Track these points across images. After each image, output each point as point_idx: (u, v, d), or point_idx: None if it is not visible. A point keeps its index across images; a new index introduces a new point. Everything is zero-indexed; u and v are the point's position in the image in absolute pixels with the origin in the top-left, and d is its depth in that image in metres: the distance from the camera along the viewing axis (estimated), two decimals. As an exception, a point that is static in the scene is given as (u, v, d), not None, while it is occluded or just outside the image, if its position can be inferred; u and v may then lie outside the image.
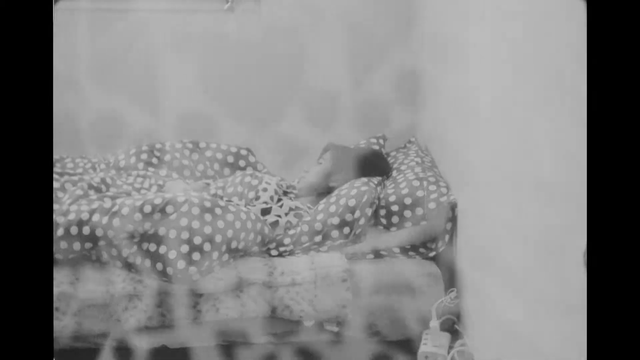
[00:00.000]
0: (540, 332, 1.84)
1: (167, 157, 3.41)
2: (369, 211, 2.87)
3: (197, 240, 2.65)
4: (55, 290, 2.60)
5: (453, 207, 2.82)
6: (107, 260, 2.71)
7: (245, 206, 2.98)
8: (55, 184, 3.08)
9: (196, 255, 2.63)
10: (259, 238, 2.80)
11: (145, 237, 2.67)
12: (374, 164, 3.22)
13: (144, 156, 3.42)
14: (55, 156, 3.56)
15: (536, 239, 1.86)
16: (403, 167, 3.19)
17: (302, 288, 2.67)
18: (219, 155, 3.47)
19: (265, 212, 2.99)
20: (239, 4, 3.74)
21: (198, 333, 2.70)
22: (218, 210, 2.72)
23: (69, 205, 2.84)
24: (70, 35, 3.74)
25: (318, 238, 2.84)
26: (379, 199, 2.94)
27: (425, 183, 2.90)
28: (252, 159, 3.51)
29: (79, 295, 2.62)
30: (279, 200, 3.10)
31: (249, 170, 3.39)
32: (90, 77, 3.84)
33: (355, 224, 2.87)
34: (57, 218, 2.73)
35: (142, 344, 2.69)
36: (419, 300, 2.73)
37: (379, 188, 3.06)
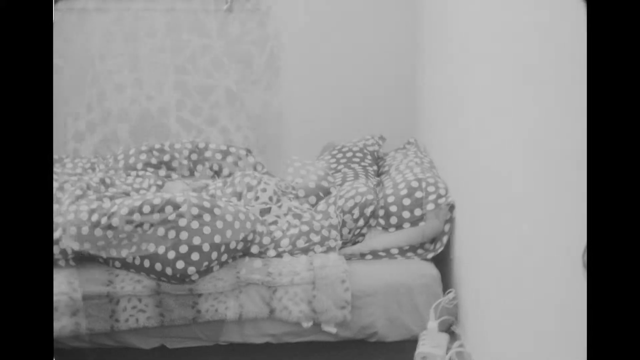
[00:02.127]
0: (540, 332, 1.84)
1: (166, 157, 3.41)
2: (368, 212, 2.87)
3: (196, 240, 2.65)
4: (55, 290, 2.60)
5: (451, 208, 2.82)
6: (106, 260, 2.71)
7: (244, 206, 2.98)
8: (55, 185, 3.07)
9: (195, 256, 2.63)
10: (258, 238, 2.80)
11: (144, 237, 2.68)
12: None
13: (143, 156, 3.42)
14: (55, 156, 3.56)
15: (536, 240, 1.86)
16: (402, 168, 3.19)
17: (300, 289, 2.67)
18: (218, 156, 3.47)
19: (265, 212, 2.99)
20: (238, 3, 3.74)
21: (197, 333, 2.71)
22: (217, 211, 2.72)
23: (68, 205, 2.84)
24: (70, 35, 3.74)
25: (317, 239, 2.83)
26: (377, 200, 2.94)
27: (424, 184, 2.91)
28: (251, 159, 3.51)
29: (79, 295, 2.62)
30: (278, 200, 3.10)
31: (248, 171, 3.38)
32: (90, 76, 3.84)
33: (354, 225, 2.87)
34: (57, 218, 2.74)
35: (141, 344, 2.70)
36: (417, 301, 2.73)
37: (377, 189, 3.06)
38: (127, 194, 3.08)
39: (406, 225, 2.87)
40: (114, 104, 3.84)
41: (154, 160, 3.39)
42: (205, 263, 2.64)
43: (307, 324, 2.70)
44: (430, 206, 2.83)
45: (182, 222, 2.66)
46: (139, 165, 3.38)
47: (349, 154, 3.51)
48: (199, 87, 3.89)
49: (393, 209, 2.89)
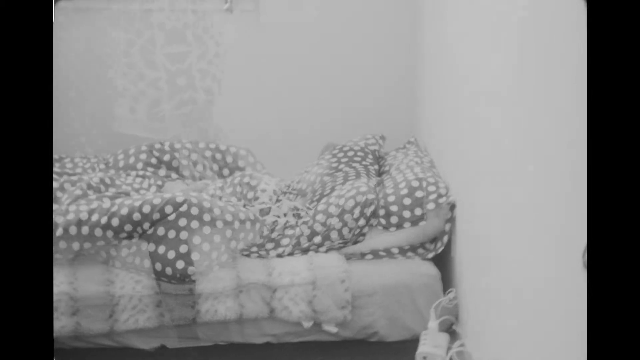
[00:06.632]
0: (540, 332, 1.84)
1: (166, 157, 3.41)
2: (368, 211, 2.87)
3: (196, 240, 2.65)
4: (55, 289, 2.60)
5: (452, 207, 2.82)
6: (106, 260, 2.71)
7: (244, 206, 2.98)
8: (55, 184, 3.07)
9: (195, 255, 2.63)
10: (258, 238, 2.80)
11: (144, 237, 2.68)
12: None
13: (142, 156, 3.41)
14: (55, 156, 3.55)
15: (536, 239, 1.86)
16: (402, 167, 3.19)
17: (300, 289, 2.67)
18: (218, 156, 3.47)
19: (264, 212, 2.99)
20: (238, 4, 3.74)
21: (197, 333, 2.70)
22: (217, 211, 2.72)
23: (68, 205, 2.84)
24: (70, 35, 3.74)
25: (317, 239, 2.83)
26: (377, 199, 2.94)
27: (424, 183, 2.90)
28: (251, 159, 3.51)
29: (79, 295, 2.62)
30: (278, 200, 3.10)
31: (248, 171, 3.38)
32: (90, 76, 3.84)
33: (354, 225, 2.87)
34: (57, 218, 2.73)
35: (141, 344, 2.69)
36: (418, 301, 2.73)
37: (377, 188, 3.06)
38: (127, 194, 3.08)
39: (407, 224, 2.87)
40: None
41: (153, 160, 3.39)
42: (206, 263, 2.64)
43: (307, 324, 2.70)
44: (430, 205, 2.83)
45: (182, 222, 2.66)
46: (139, 165, 3.38)
47: (350, 153, 3.51)
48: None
49: (394, 208, 2.88)
